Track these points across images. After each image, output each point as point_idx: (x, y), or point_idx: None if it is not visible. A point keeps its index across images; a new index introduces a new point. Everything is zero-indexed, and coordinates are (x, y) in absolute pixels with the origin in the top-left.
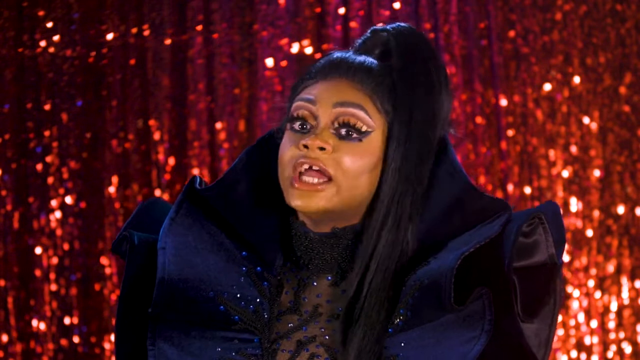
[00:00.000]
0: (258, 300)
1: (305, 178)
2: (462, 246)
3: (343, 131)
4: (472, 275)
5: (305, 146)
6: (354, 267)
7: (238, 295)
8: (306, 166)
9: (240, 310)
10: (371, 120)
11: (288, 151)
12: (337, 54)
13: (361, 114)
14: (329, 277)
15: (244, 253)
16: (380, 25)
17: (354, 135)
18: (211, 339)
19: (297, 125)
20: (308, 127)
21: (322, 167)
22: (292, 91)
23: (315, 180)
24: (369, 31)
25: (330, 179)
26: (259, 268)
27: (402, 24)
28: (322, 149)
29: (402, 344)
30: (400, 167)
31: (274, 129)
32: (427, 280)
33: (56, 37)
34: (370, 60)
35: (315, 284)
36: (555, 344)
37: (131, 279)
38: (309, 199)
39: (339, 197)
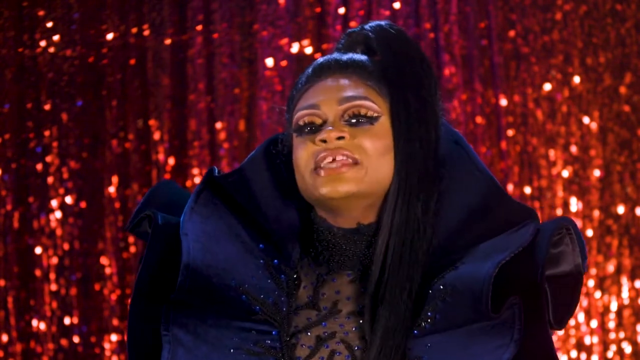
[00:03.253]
0: (276, 293)
1: (329, 165)
2: (493, 253)
3: (354, 120)
4: (504, 283)
5: (323, 140)
6: (375, 252)
7: (258, 287)
8: (329, 159)
9: (260, 301)
10: (377, 106)
11: (304, 152)
12: (323, 58)
13: (367, 103)
14: (349, 274)
15: (261, 245)
16: (355, 27)
17: (364, 121)
18: (227, 328)
19: (306, 129)
20: (317, 127)
21: (347, 154)
22: (289, 102)
23: (340, 164)
24: (344, 34)
25: (356, 163)
26: (276, 261)
27: (379, 21)
28: (340, 138)
29: (428, 346)
30: (404, 146)
31: (280, 135)
32: (460, 286)
33: (56, 37)
34: (357, 55)
35: (335, 280)
36: (555, 343)
37: (153, 261)
38: (335, 183)
39: (366, 179)
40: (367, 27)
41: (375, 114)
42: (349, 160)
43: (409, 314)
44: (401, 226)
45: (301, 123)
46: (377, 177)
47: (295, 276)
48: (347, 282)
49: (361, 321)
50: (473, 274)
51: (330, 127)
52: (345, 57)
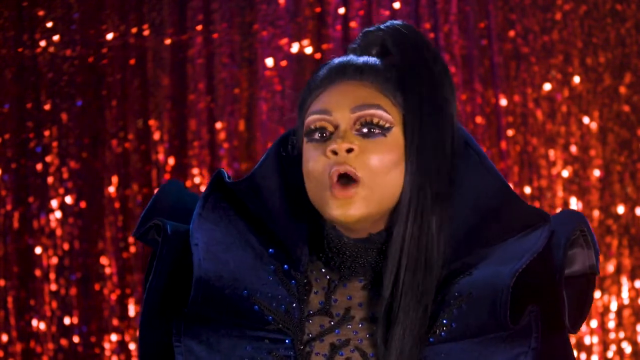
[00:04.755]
0: (288, 299)
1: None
2: (508, 259)
3: (365, 130)
4: (520, 291)
5: (334, 152)
6: (386, 268)
7: (269, 295)
8: (338, 174)
9: (273, 310)
10: (390, 115)
11: (316, 163)
12: (338, 60)
13: (380, 112)
14: (361, 280)
15: (270, 250)
16: (372, 27)
17: (377, 131)
18: (240, 338)
19: (316, 135)
20: (328, 134)
21: (349, 170)
22: (300, 105)
23: (351, 188)
24: (361, 33)
25: (357, 182)
26: (286, 266)
27: (395, 22)
28: (349, 150)
29: (443, 355)
30: (417, 158)
31: (291, 132)
32: (475, 293)
33: (56, 37)
34: (373, 59)
35: (346, 286)
36: None
37: (163, 272)
38: (346, 207)
39: (374, 198)
40: (383, 27)
41: (388, 125)
42: (354, 177)
43: (425, 324)
44: (414, 239)
45: (312, 127)
46: (384, 195)
47: (305, 281)
48: (358, 288)
49: (374, 328)
50: (489, 280)
51: (341, 137)
52: (360, 61)
